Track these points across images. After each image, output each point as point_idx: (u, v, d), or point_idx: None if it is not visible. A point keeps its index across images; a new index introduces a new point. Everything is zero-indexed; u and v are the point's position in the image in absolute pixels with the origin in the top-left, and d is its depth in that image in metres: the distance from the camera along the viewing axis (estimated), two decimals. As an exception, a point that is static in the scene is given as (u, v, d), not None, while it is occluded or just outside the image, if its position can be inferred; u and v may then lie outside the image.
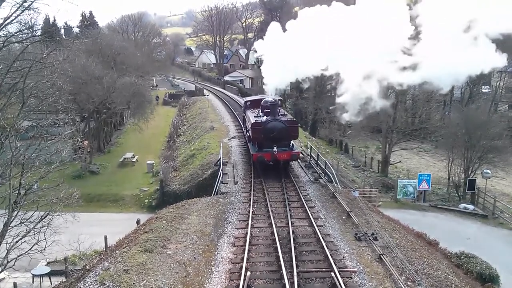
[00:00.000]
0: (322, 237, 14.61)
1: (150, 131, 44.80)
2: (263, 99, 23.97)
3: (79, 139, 19.11)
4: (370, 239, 15.10)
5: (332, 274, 11.96)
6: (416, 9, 13.94)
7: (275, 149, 20.58)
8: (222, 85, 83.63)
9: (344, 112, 16.75)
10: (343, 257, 13.69)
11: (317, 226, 15.78)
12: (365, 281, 12.27)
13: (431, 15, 13.37)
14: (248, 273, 12.03)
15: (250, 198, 19.16)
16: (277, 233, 14.90)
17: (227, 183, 22.16)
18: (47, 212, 13.13)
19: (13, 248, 12.25)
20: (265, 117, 21.69)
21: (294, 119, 23.30)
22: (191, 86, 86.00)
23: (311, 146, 30.52)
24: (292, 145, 21.94)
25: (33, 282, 18.22)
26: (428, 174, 32.70)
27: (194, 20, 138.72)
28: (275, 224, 15.88)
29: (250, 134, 22.26)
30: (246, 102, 28.14)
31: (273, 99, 22.45)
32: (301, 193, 19.76)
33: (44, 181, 13.75)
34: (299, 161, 26.50)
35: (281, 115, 22.55)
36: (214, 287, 12.21)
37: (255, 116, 22.91)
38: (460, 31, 12.70)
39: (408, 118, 44.97)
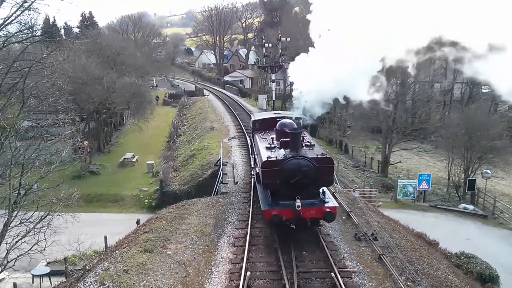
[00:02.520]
0: (322, 238, 14.61)
1: (150, 131, 44.79)
2: (279, 118, 17.51)
3: (79, 139, 19.16)
4: (370, 239, 15.09)
5: (332, 274, 11.97)
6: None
7: (298, 203, 13.07)
8: (222, 85, 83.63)
9: None
10: (343, 257, 13.69)
11: (317, 226, 15.74)
12: (365, 281, 12.27)
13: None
14: (248, 273, 12.04)
15: (250, 198, 19.15)
16: (277, 233, 14.90)
17: (227, 183, 22.16)
18: (47, 212, 13.13)
19: (13, 248, 12.25)
20: (282, 151, 14.47)
21: (326, 152, 14.67)
22: (191, 86, 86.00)
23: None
24: (324, 193, 14.29)
25: (33, 282, 18.23)
26: (428, 174, 32.70)
27: (194, 20, 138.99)
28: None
29: (260, 175, 14.57)
30: (255, 121, 19.70)
31: (294, 119, 16.32)
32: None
33: (44, 181, 13.75)
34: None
35: (307, 145, 15.25)
36: (214, 287, 12.22)
37: (267, 148, 15.39)
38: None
39: (408, 118, 44.95)
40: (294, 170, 13.32)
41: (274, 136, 16.39)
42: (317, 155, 13.93)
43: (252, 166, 20.38)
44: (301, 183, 13.35)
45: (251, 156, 22.97)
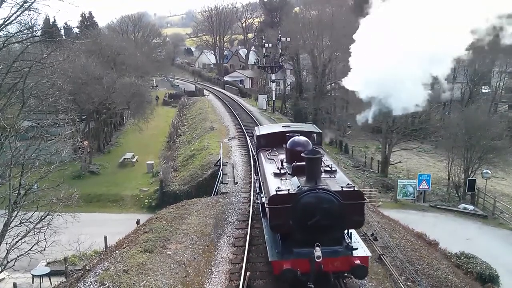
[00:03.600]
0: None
1: (150, 131, 44.79)
2: (289, 133, 14.19)
3: (79, 140, 19.14)
4: (370, 239, 15.10)
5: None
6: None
7: (318, 252, 9.90)
8: (222, 86, 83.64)
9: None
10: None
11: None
12: (365, 281, 12.26)
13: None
14: (248, 273, 12.04)
15: (250, 199, 19.15)
16: None
17: (227, 184, 22.17)
18: (47, 212, 13.12)
19: (13, 248, 12.24)
20: (295, 180, 11.02)
21: (352, 183, 11.18)
22: (191, 86, 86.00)
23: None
24: (351, 237, 11.11)
25: (33, 283, 18.22)
26: (428, 175, 32.68)
27: (194, 20, 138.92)
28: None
29: (267, 213, 11.02)
30: (259, 137, 16.05)
31: (310, 133, 14.39)
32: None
33: (44, 181, 13.74)
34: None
35: (326, 170, 11.74)
36: (214, 287, 12.22)
37: (275, 175, 11.93)
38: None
39: (408, 118, 44.93)
40: (312, 208, 10.04)
41: (283, 157, 13.27)
42: (342, 187, 10.43)
43: (256, 189, 17.03)
44: (322, 225, 10.06)
45: (254, 175, 19.00)
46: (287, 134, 13.83)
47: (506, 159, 34.22)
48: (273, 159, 13.53)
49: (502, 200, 31.75)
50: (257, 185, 16.92)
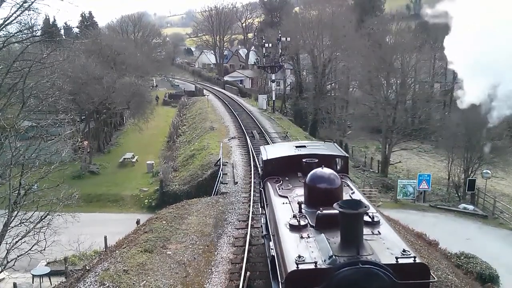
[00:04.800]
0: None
1: (150, 131, 44.78)
2: (307, 156, 11.55)
3: (79, 139, 19.13)
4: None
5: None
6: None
7: None
8: (222, 85, 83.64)
9: None
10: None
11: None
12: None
13: None
14: (248, 273, 12.04)
15: (250, 199, 19.16)
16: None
17: (227, 183, 22.18)
18: (47, 212, 13.11)
19: (13, 248, 12.23)
20: (322, 239, 7.40)
21: (409, 246, 7.27)
22: (191, 86, 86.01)
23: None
24: None
25: (33, 282, 18.21)
26: (428, 174, 32.68)
27: (194, 20, 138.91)
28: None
29: None
30: (267, 162, 12.35)
31: (333, 157, 11.62)
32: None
33: (44, 181, 13.73)
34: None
35: (368, 221, 8.02)
36: (214, 287, 12.22)
37: (292, 228, 8.23)
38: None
39: (408, 118, 44.99)
40: None
41: (300, 193, 9.72)
42: (396, 257, 6.81)
43: (262, 227, 13.19)
44: None
45: (260, 209, 14.28)
46: (303, 158, 11.30)
47: (506, 159, 34.24)
48: (287, 198, 9.85)
49: (502, 200, 31.76)
50: (262, 221, 13.07)
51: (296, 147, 13.00)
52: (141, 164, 37.98)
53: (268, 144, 30.60)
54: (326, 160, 10.79)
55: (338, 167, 11.39)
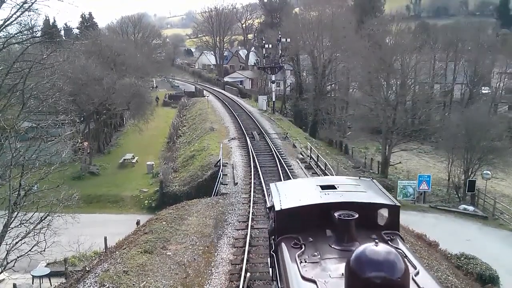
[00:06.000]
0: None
1: (150, 132, 44.78)
2: (338, 207, 7.17)
3: (79, 140, 19.14)
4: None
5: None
6: None
7: None
8: (222, 86, 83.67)
9: None
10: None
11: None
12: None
13: None
14: (248, 274, 12.04)
15: (250, 199, 19.16)
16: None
17: (227, 184, 22.17)
18: (47, 213, 13.11)
19: (13, 249, 12.22)
20: None
21: None
22: (191, 87, 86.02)
23: (311, 147, 30.52)
24: None
25: (33, 283, 18.18)
26: (428, 175, 32.68)
27: (194, 21, 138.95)
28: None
29: None
30: (280, 213, 7.74)
31: (374, 207, 7.63)
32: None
33: (44, 182, 13.73)
34: (299, 162, 26.50)
35: None
36: (214, 288, 12.22)
37: None
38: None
39: (408, 119, 44.99)
40: None
41: (335, 270, 6.07)
42: None
43: None
44: None
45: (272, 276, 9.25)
46: (336, 215, 6.97)
47: (506, 160, 34.22)
48: (315, 284, 5.80)
49: (502, 201, 31.73)
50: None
51: (322, 188, 8.51)
52: (141, 165, 37.96)
53: (268, 143, 30.63)
54: (369, 213, 7.49)
55: (385, 222, 7.65)
